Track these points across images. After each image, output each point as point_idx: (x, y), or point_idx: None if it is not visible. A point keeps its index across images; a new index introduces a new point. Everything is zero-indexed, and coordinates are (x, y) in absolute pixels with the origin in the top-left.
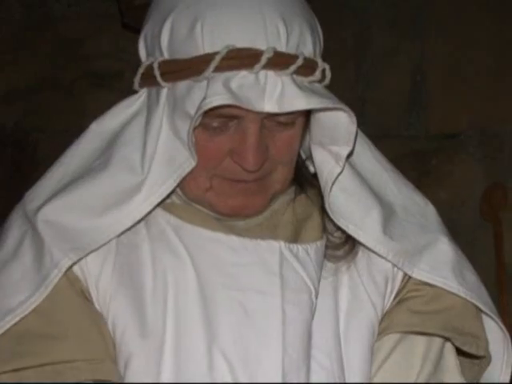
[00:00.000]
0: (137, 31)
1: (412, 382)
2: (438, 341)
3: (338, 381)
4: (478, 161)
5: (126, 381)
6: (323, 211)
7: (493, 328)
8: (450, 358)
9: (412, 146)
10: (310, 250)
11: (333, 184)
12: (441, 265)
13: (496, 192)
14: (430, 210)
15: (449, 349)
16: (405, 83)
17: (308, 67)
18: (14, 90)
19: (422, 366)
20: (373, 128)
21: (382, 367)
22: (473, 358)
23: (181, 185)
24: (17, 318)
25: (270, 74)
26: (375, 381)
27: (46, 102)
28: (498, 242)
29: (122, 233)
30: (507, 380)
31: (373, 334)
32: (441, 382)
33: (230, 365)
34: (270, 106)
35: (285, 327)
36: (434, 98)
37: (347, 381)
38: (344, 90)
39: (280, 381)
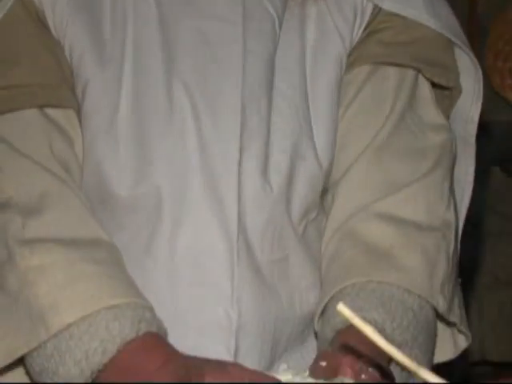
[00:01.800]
0: None
1: (385, 115)
2: (410, 73)
3: (300, 111)
4: None
5: (84, 108)
6: None
7: (464, 62)
8: (425, 89)
9: None
10: None
11: None
12: None
13: None
14: None
15: (422, 80)
16: None
17: None
18: None
19: (395, 97)
20: None
21: (354, 100)
22: (443, 89)
23: None
24: None
25: None
26: (347, 115)
27: None
28: None
29: None
30: (477, 113)
31: (340, 67)
32: (417, 115)
33: (189, 92)
34: None
35: (246, 56)
36: None
37: (312, 114)
38: None
39: (239, 110)
